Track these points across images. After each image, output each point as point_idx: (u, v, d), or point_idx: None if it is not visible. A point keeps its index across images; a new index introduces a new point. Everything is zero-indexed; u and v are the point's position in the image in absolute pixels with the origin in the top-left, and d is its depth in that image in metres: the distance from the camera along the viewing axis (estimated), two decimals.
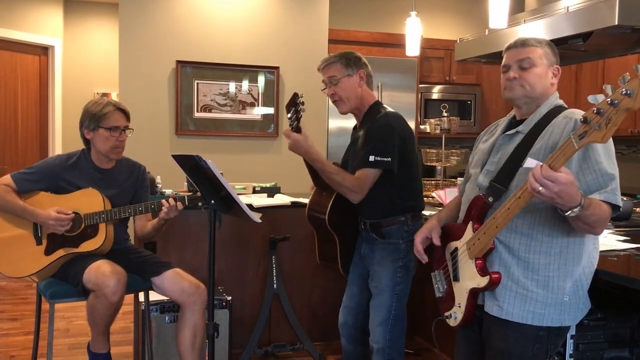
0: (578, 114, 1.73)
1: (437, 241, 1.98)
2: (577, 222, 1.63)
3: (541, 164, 1.63)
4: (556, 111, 1.80)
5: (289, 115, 2.36)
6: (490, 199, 1.79)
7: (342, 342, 2.71)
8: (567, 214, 1.56)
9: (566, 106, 1.86)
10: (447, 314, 1.95)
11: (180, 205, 2.61)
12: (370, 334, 2.53)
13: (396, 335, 2.50)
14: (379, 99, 5.75)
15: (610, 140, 1.69)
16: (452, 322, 1.93)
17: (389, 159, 2.36)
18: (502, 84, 1.88)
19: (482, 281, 1.78)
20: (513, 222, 1.75)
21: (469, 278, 1.83)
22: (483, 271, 1.78)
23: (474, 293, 1.83)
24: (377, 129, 2.40)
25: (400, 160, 2.40)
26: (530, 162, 1.71)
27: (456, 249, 1.91)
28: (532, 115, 1.84)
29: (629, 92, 1.36)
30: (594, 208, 1.59)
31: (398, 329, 2.50)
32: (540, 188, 1.51)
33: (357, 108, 2.53)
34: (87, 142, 2.75)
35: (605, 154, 1.68)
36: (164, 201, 2.60)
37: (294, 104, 2.33)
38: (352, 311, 2.64)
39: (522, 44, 1.84)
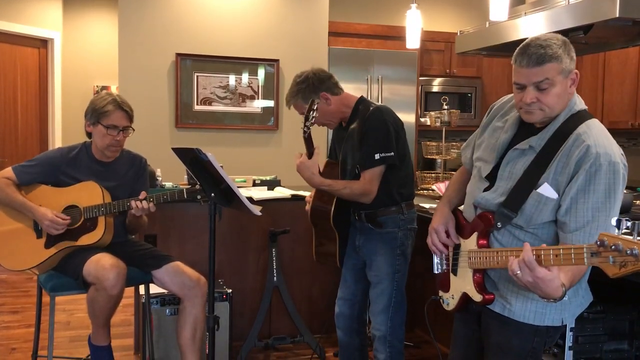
0: (591, 137, 1.63)
1: (455, 239, 1.90)
2: None
3: (553, 195, 1.62)
4: (573, 122, 1.69)
5: (306, 123, 2.34)
6: (499, 225, 1.74)
7: (338, 334, 2.73)
8: (542, 300, 1.55)
9: (585, 110, 1.74)
10: (442, 295, 1.96)
11: (152, 208, 2.58)
12: (372, 322, 2.57)
13: (397, 323, 2.54)
14: (380, 93, 5.80)
15: (619, 174, 1.61)
16: (445, 307, 1.95)
17: (392, 153, 2.40)
18: (516, 103, 1.73)
19: (476, 297, 1.78)
20: (516, 230, 1.73)
21: (465, 282, 1.83)
22: (480, 288, 1.78)
23: (467, 297, 1.83)
24: (373, 126, 2.41)
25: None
26: (545, 189, 1.66)
27: (459, 245, 1.89)
28: (547, 128, 1.71)
29: None
30: (575, 279, 1.57)
31: (399, 316, 2.54)
32: (518, 272, 1.50)
33: (341, 118, 2.56)
34: (89, 134, 2.75)
35: (606, 191, 1.60)
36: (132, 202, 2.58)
37: (311, 110, 2.33)
38: (347, 302, 2.67)
39: (538, 61, 1.62)
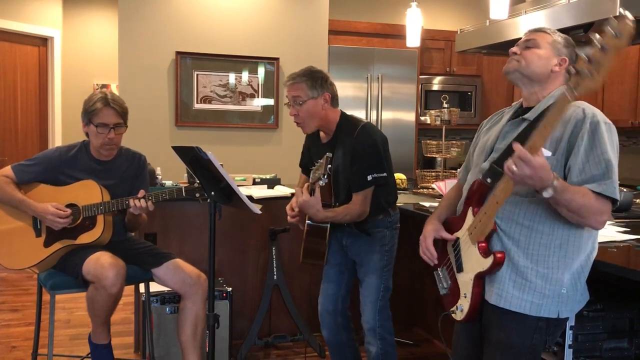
0: (584, 104, 1.76)
1: (448, 236, 1.94)
2: (561, 209, 1.67)
3: (546, 153, 1.67)
4: None
5: (321, 173, 2.34)
6: (489, 180, 1.78)
7: (324, 335, 2.76)
8: (543, 194, 1.61)
9: None
10: (452, 308, 1.94)
11: (151, 206, 2.57)
12: (362, 316, 2.63)
13: (385, 316, 2.61)
14: (380, 91, 5.80)
15: (615, 132, 1.73)
16: (459, 316, 1.91)
17: (384, 174, 2.48)
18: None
19: (486, 263, 1.76)
20: (514, 214, 1.75)
21: (473, 264, 1.82)
22: (486, 253, 1.77)
23: (479, 278, 1.82)
24: (364, 147, 2.45)
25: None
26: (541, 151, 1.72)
27: (457, 239, 1.90)
28: (539, 104, 1.84)
29: (617, 33, 1.43)
30: (573, 194, 1.63)
31: (386, 309, 2.62)
32: (514, 167, 1.56)
33: (322, 126, 2.57)
34: (87, 134, 2.74)
35: (611, 144, 1.70)
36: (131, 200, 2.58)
37: (327, 165, 2.32)
38: (330, 298, 2.72)
39: (536, 29, 1.90)
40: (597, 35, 1.45)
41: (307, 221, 2.57)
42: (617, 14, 3.08)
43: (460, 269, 1.90)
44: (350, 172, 2.47)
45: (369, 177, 2.44)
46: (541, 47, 1.84)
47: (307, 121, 2.51)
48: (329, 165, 2.33)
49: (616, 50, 1.43)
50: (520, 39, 1.93)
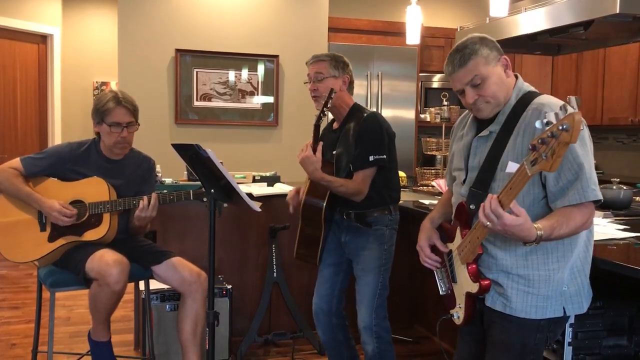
0: (547, 105, 1.70)
1: (443, 248, 1.94)
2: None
3: (515, 166, 1.62)
4: (524, 100, 1.76)
5: (324, 109, 2.47)
6: (472, 207, 1.77)
7: (319, 336, 2.77)
8: (525, 246, 1.61)
9: (534, 90, 1.81)
10: (451, 312, 1.96)
11: (154, 211, 2.57)
12: (358, 314, 2.63)
13: (381, 314, 2.61)
14: (380, 89, 5.80)
15: (585, 128, 1.66)
16: (457, 321, 1.94)
17: (384, 155, 2.52)
18: (466, 106, 1.82)
19: (474, 287, 1.79)
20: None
21: (464, 282, 1.84)
22: (475, 277, 1.78)
23: (470, 296, 1.84)
24: (369, 130, 2.52)
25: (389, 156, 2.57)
26: (512, 167, 1.69)
27: (451, 251, 1.91)
28: (501, 112, 1.79)
29: (565, 127, 1.35)
30: (560, 229, 1.61)
31: (383, 308, 2.62)
32: (488, 223, 1.55)
33: (336, 108, 2.62)
34: (98, 134, 2.74)
35: (582, 144, 1.66)
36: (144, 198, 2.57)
37: (330, 98, 2.45)
38: (325, 298, 2.72)
39: (460, 64, 1.75)
40: (553, 116, 1.38)
41: (305, 196, 2.58)
42: (617, 11, 3.08)
43: (454, 280, 1.91)
44: (353, 153, 2.51)
45: (371, 158, 2.48)
46: (488, 75, 1.74)
47: (323, 97, 2.55)
48: (331, 99, 2.43)
49: (564, 145, 1.37)
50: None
